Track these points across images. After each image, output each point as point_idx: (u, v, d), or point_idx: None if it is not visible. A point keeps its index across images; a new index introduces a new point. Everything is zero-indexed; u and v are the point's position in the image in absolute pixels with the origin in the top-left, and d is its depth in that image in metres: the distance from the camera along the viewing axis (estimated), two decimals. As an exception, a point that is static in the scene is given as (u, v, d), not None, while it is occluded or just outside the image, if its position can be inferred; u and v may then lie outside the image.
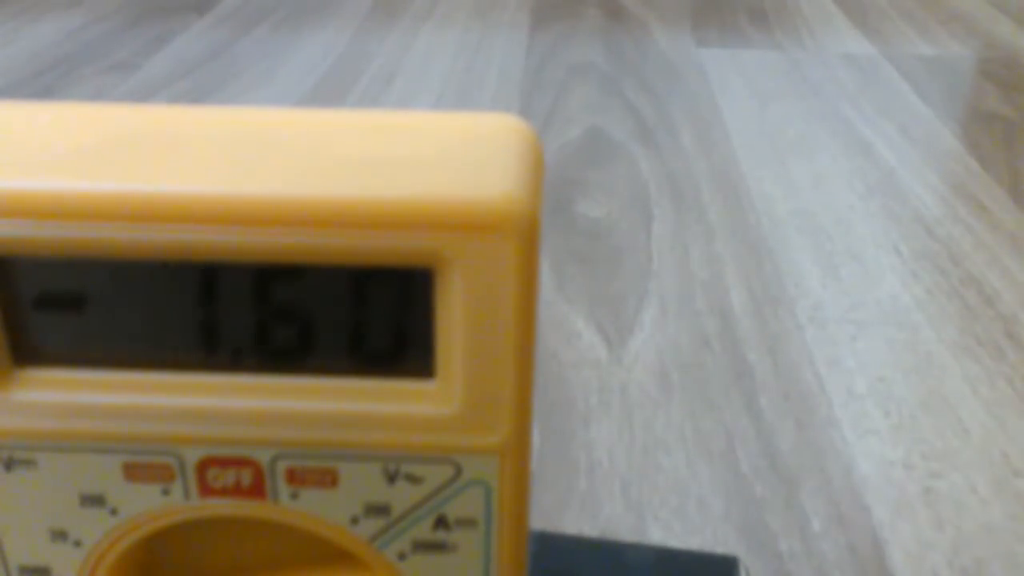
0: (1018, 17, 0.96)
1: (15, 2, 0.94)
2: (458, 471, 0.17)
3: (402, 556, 0.18)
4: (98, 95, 0.73)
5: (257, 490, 0.17)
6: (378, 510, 0.18)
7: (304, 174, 0.15)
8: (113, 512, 0.18)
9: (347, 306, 0.16)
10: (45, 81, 0.76)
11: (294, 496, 0.18)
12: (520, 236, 0.15)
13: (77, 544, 0.18)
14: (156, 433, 0.17)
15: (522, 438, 0.17)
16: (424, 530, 0.18)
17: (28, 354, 0.17)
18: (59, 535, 0.18)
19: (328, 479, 0.17)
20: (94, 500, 0.18)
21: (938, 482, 0.38)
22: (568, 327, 0.47)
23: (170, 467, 0.17)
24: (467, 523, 0.18)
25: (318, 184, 0.15)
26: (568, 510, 0.37)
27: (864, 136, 0.70)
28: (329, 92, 0.74)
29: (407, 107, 0.73)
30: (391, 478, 0.17)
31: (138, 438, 0.17)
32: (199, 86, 0.75)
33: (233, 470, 0.17)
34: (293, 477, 0.17)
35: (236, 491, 0.17)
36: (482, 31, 0.90)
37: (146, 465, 0.17)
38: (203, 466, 0.17)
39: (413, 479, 0.17)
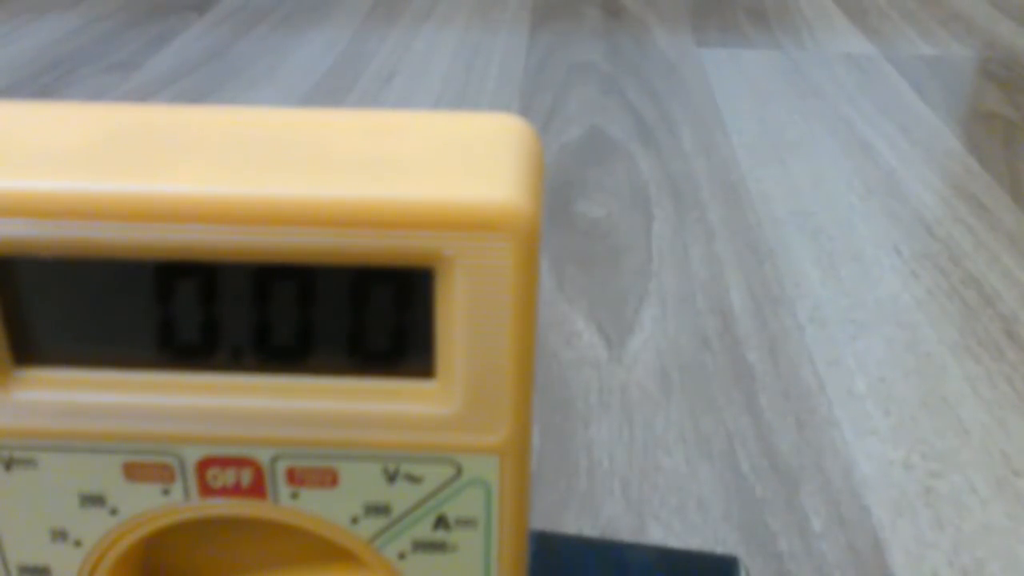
0: (1018, 17, 0.96)
1: (15, 2, 0.94)
2: (458, 471, 0.17)
3: (402, 556, 0.18)
4: (98, 95, 0.73)
5: (257, 490, 0.17)
6: (378, 510, 0.18)
7: (304, 174, 0.15)
8: (113, 512, 0.18)
9: (347, 306, 0.16)
10: (45, 81, 0.76)
11: (294, 496, 0.18)
12: (520, 236, 0.15)
13: (77, 544, 0.18)
14: (156, 433, 0.17)
15: (522, 438, 0.17)
16: (424, 530, 0.18)
17: (28, 354, 0.17)
18: (59, 535, 0.18)
19: (328, 479, 0.17)
20: (94, 500, 0.18)
21: (938, 482, 0.38)
22: (568, 327, 0.47)
23: (170, 467, 0.17)
24: (467, 523, 0.18)
25: (318, 184, 0.15)
26: (568, 510, 0.37)
27: (864, 136, 0.70)
28: (329, 92, 0.74)
29: (407, 107, 0.73)
30: (391, 478, 0.17)
31: (138, 438, 0.17)
32: (199, 86, 0.75)
33: (233, 470, 0.17)
34: (293, 477, 0.17)
35: (236, 491, 0.17)
36: (482, 31, 0.90)
37: (146, 465, 0.17)
38: (203, 466, 0.17)
39: (413, 479, 0.17)
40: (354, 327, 0.16)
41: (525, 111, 0.73)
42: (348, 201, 0.15)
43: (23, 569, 0.18)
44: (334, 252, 0.15)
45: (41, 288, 0.16)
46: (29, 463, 0.17)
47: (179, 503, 0.18)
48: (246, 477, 0.17)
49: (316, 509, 0.18)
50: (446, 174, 0.16)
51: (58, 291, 0.16)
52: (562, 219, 0.58)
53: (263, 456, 0.17)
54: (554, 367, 0.45)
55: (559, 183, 0.62)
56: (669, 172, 0.64)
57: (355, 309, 0.16)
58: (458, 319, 0.16)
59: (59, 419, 0.17)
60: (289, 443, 0.17)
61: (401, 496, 0.17)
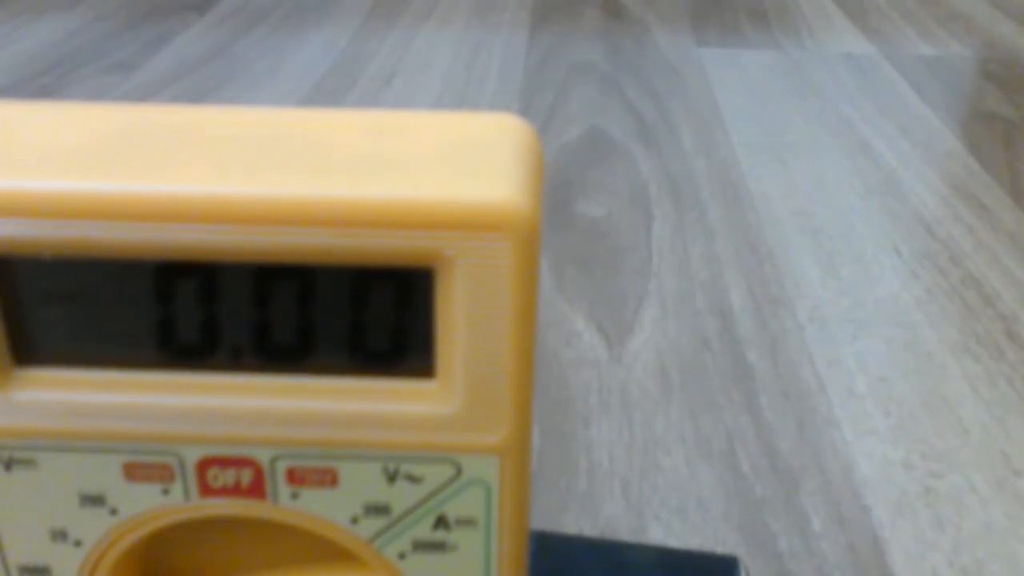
0: (1018, 17, 0.96)
1: (15, 2, 0.94)
2: (458, 471, 0.17)
3: (402, 556, 0.18)
4: (98, 95, 0.73)
5: (257, 490, 0.17)
6: (378, 510, 0.18)
7: (304, 174, 0.15)
8: (113, 512, 0.18)
9: (347, 306, 0.16)
10: (45, 81, 0.76)
11: (294, 496, 0.18)
12: (520, 236, 0.15)
13: (77, 544, 0.18)
14: (156, 433, 0.17)
15: (522, 438, 0.17)
16: (424, 530, 0.18)
17: (28, 354, 0.17)
18: (59, 535, 0.18)
19: (328, 479, 0.17)
20: (94, 500, 0.18)
21: (938, 482, 0.38)
22: (568, 327, 0.47)
23: (170, 467, 0.17)
24: (467, 523, 0.18)
25: (318, 184, 0.15)
26: (568, 510, 0.37)
27: (864, 136, 0.70)
28: (329, 92, 0.74)
29: (407, 107, 0.73)
30: (391, 478, 0.17)
31: (138, 438, 0.17)
32: (199, 86, 0.75)
33: (233, 470, 0.17)
34: (293, 477, 0.17)
35: (236, 491, 0.17)
36: (482, 31, 0.90)
37: (146, 465, 0.17)
38: (203, 466, 0.17)
39: (413, 479, 0.17)
40: (354, 327, 0.16)
41: (525, 111, 0.73)
42: (348, 201, 0.15)
43: (23, 569, 0.18)
44: (334, 252, 0.15)
45: (41, 288, 0.16)
46: (29, 463, 0.17)
47: (179, 503, 0.18)
48: (246, 477, 0.17)
49: (316, 509, 0.18)
50: (446, 174, 0.16)
51: (58, 291, 0.16)
52: (562, 219, 0.58)
53: (263, 456, 0.17)
54: (554, 367, 0.45)
55: (559, 183, 0.62)
56: (669, 172, 0.64)
57: (355, 309, 0.16)
58: (458, 319, 0.16)
59: (59, 419, 0.17)
60: (289, 443, 0.17)
61: (401, 496, 0.17)
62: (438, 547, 0.18)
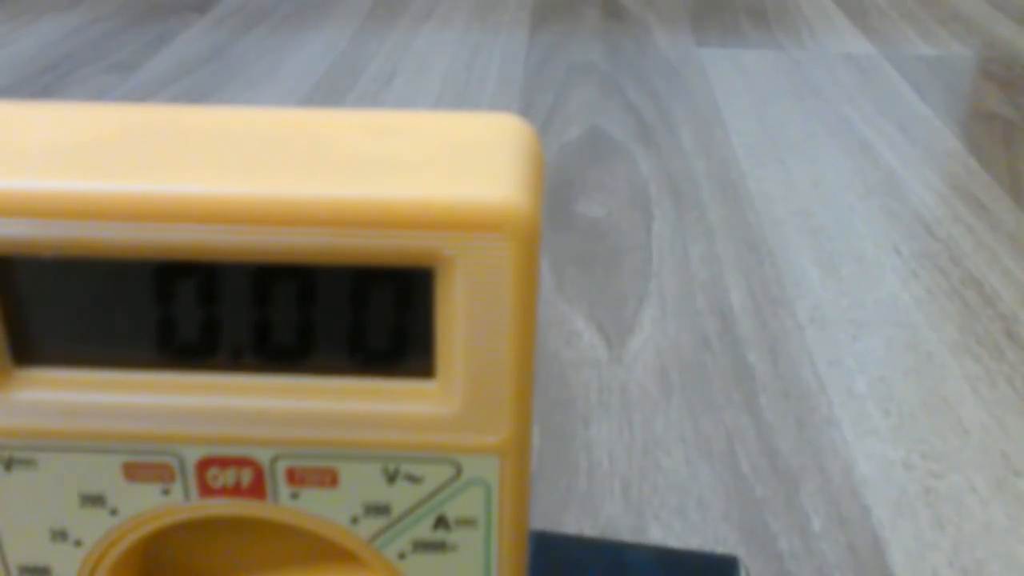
0: (1018, 17, 0.96)
1: (15, 2, 0.94)
2: (458, 471, 0.17)
3: (402, 556, 0.18)
4: (98, 95, 0.73)
5: (257, 490, 0.17)
6: (378, 510, 0.18)
7: (304, 174, 0.15)
8: (113, 512, 0.18)
9: (347, 306, 0.16)
10: (45, 81, 0.76)
11: (294, 496, 0.18)
12: (520, 236, 0.15)
13: (77, 544, 0.18)
14: (156, 433, 0.17)
15: (522, 438, 0.17)
16: (424, 530, 0.18)
17: (28, 354, 0.17)
18: (59, 535, 0.18)
19: (328, 479, 0.17)
20: (94, 500, 0.18)
21: (938, 482, 0.38)
22: (568, 327, 0.47)
23: (170, 467, 0.17)
24: (467, 523, 0.18)
25: (318, 184, 0.15)
26: (568, 510, 0.37)
27: (864, 136, 0.70)
28: (329, 92, 0.74)
29: (407, 107, 0.73)
30: (391, 478, 0.17)
31: (138, 438, 0.17)
32: (199, 86, 0.75)
33: (233, 470, 0.17)
34: (293, 477, 0.17)
35: (236, 491, 0.17)
36: (482, 31, 0.90)
37: (146, 465, 0.17)
38: (203, 466, 0.17)
39: (413, 479, 0.17)
40: (354, 327, 0.16)
41: (525, 111, 0.73)
42: (348, 201, 0.15)
43: (23, 569, 0.18)
44: (334, 252, 0.15)
45: (41, 288, 0.16)
46: (29, 463, 0.17)
47: (179, 503, 0.18)
48: (246, 477, 0.17)
49: (316, 509, 0.18)
50: (446, 174, 0.16)
51: (58, 291, 0.16)
52: (562, 219, 0.58)
53: (263, 456, 0.17)
54: (554, 367, 0.45)
55: (559, 183, 0.62)
56: (669, 172, 0.64)
57: (355, 309, 0.16)
58: (458, 319, 0.16)
59: (59, 419, 0.17)
60: (289, 443, 0.17)
61: (401, 496, 0.17)
62: (438, 547, 0.18)
